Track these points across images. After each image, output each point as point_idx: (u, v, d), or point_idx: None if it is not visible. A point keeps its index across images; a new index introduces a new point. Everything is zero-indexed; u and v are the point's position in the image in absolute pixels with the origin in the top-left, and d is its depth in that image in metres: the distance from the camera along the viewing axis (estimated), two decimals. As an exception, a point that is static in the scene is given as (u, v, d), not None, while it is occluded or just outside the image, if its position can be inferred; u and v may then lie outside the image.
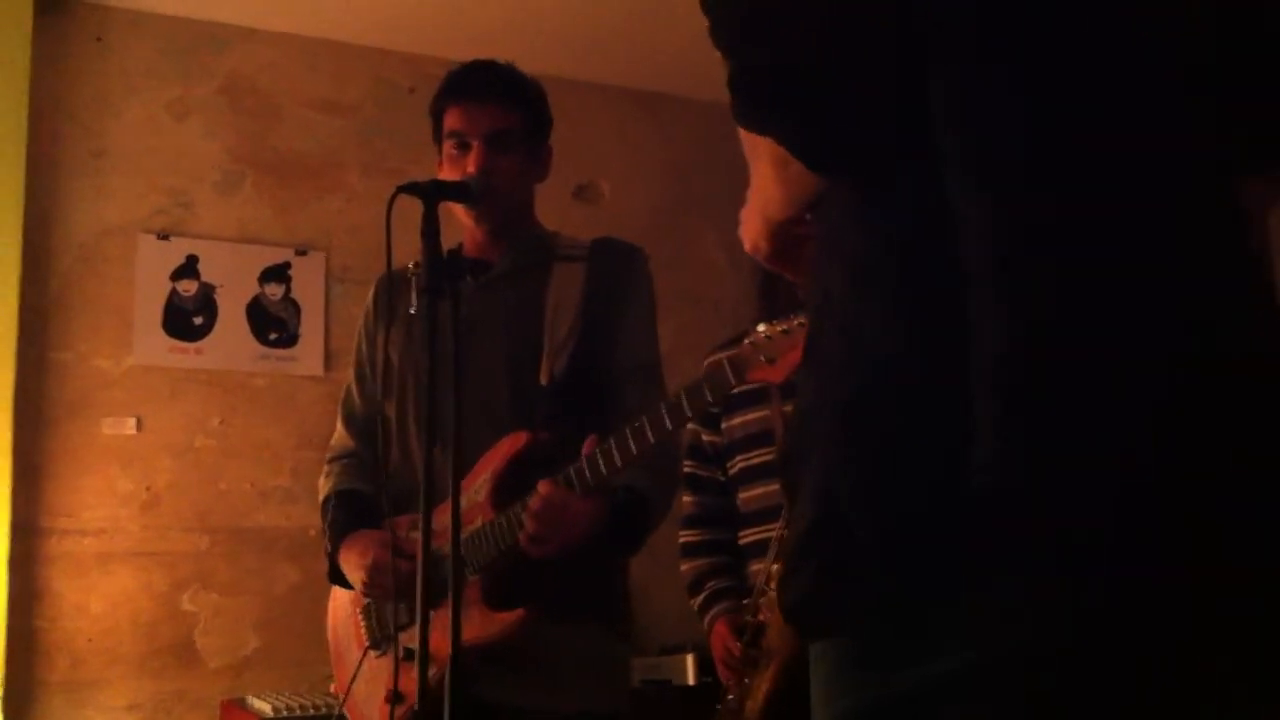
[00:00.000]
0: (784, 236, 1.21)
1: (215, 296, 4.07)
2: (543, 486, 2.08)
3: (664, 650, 4.02)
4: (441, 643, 1.83)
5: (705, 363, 2.07)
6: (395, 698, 1.95)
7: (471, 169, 2.24)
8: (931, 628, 0.97)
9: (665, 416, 2.01)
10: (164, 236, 4.01)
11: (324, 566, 2.45)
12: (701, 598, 2.85)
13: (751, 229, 1.24)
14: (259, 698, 3.39)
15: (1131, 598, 0.93)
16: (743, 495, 2.82)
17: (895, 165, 1.02)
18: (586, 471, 2.06)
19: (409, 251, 2.08)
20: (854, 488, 1.01)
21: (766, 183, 1.16)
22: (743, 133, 1.12)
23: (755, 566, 2.70)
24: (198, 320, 4.03)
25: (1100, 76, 0.97)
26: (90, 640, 3.70)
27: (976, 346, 0.95)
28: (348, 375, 2.56)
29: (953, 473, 0.95)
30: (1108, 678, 0.93)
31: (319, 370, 4.14)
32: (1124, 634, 0.93)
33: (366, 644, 2.32)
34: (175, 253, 4.03)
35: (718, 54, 1.08)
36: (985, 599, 0.95)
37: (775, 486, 2.73)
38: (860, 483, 1.01)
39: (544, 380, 2.25)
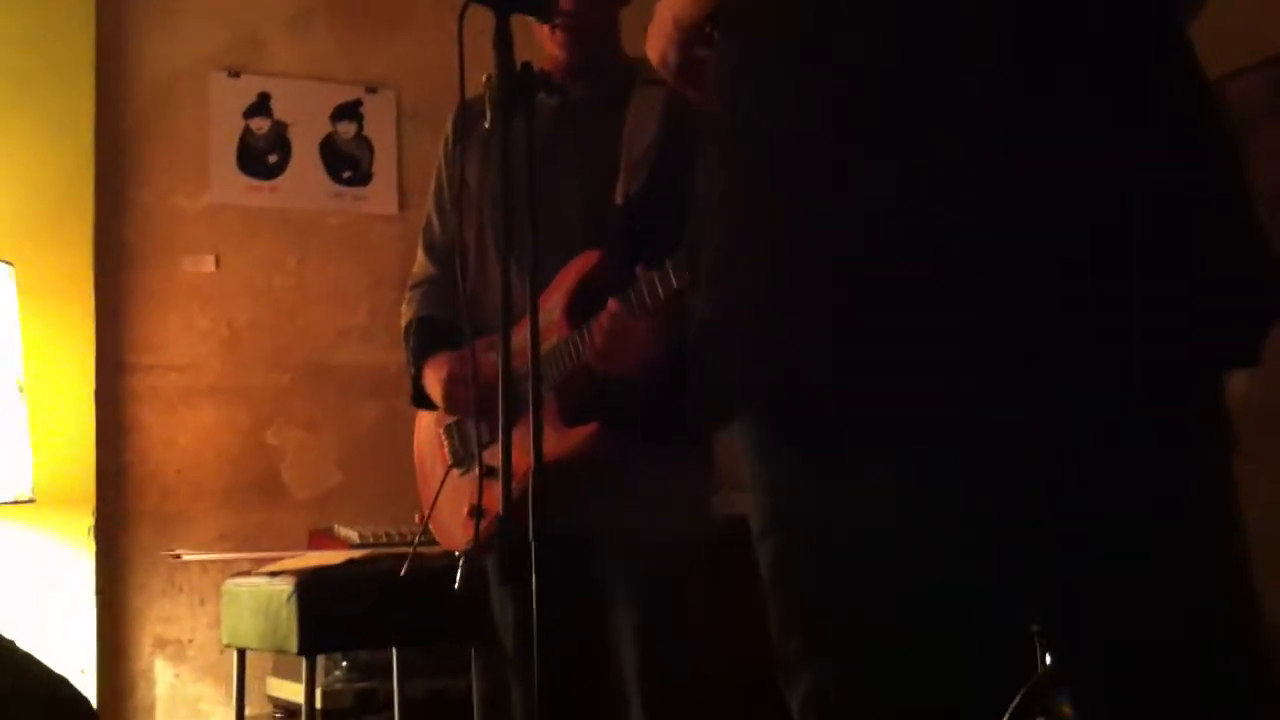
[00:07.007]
0: (689, 49, 1.24)
1: (288, 135, 4.04)
2: (613, 303, 2.08)
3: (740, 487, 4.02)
4: (521, 459, 1.84)
5: None
6: (478, 513, 1.97)
7: None
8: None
9: None
10: (235, 74, 3.98)
11: (404, 404, 2.48)
12: None
13: (660, 38, 1.26)
14: (346, 527, 3.47)
15: None
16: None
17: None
18: (659, 288, 2.04)
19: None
20: None
21: None
22: None
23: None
24: (272, 159, 4.01)
25: None
26: (179, 472, 3.78)
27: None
28: (421, 214, 2.55)
29: None
30: None
31: (393, 209, 4.12)
32: None
33: (450, 463, 2.36)
34: (247, 90, 3.99)
35: None
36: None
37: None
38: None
39: (619, 200, 2.22)
